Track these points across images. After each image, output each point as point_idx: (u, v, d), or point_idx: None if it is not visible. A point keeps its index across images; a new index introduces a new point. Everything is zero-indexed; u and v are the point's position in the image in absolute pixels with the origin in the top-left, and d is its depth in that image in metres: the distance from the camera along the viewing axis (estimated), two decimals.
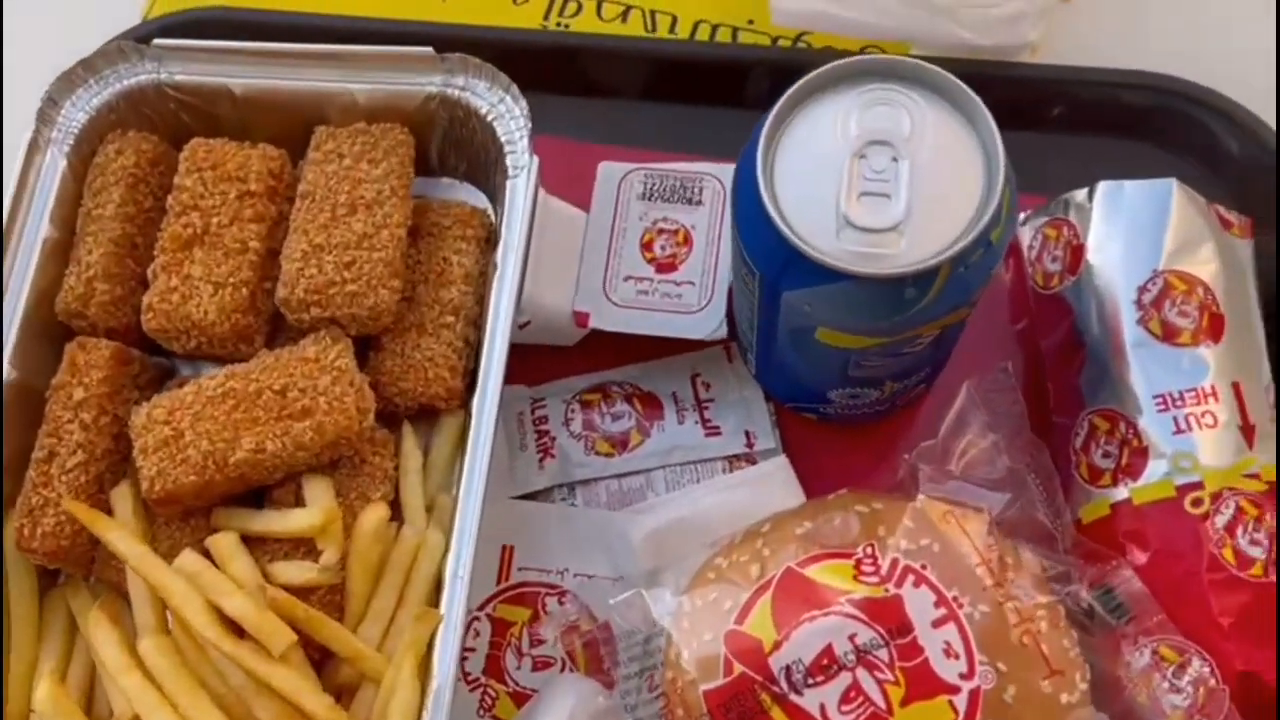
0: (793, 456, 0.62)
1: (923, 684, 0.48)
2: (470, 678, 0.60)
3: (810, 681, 0.49)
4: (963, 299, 0.48)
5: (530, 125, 0.62)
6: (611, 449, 0.63)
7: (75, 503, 0.57)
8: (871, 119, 0.47)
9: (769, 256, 0.48)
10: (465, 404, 0.63)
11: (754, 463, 0.62)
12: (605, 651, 0.58)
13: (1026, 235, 0.63)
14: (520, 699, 0.59)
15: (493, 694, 0.59)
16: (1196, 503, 0.53)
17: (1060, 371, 0.60)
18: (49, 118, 0.65)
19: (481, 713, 0.59)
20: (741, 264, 0.51)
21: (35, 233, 0.63)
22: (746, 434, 0.63)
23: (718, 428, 0.63)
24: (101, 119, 0.66)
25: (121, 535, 0.57)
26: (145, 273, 0.64)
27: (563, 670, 0.59)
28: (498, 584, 0.61)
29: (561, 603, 0.60)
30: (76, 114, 0.66)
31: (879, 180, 0.46)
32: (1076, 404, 0.58)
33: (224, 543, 0.58)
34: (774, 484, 0.61)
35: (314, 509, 0.58)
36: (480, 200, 0.69)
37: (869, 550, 0.51)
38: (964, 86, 0.47)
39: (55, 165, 0.65)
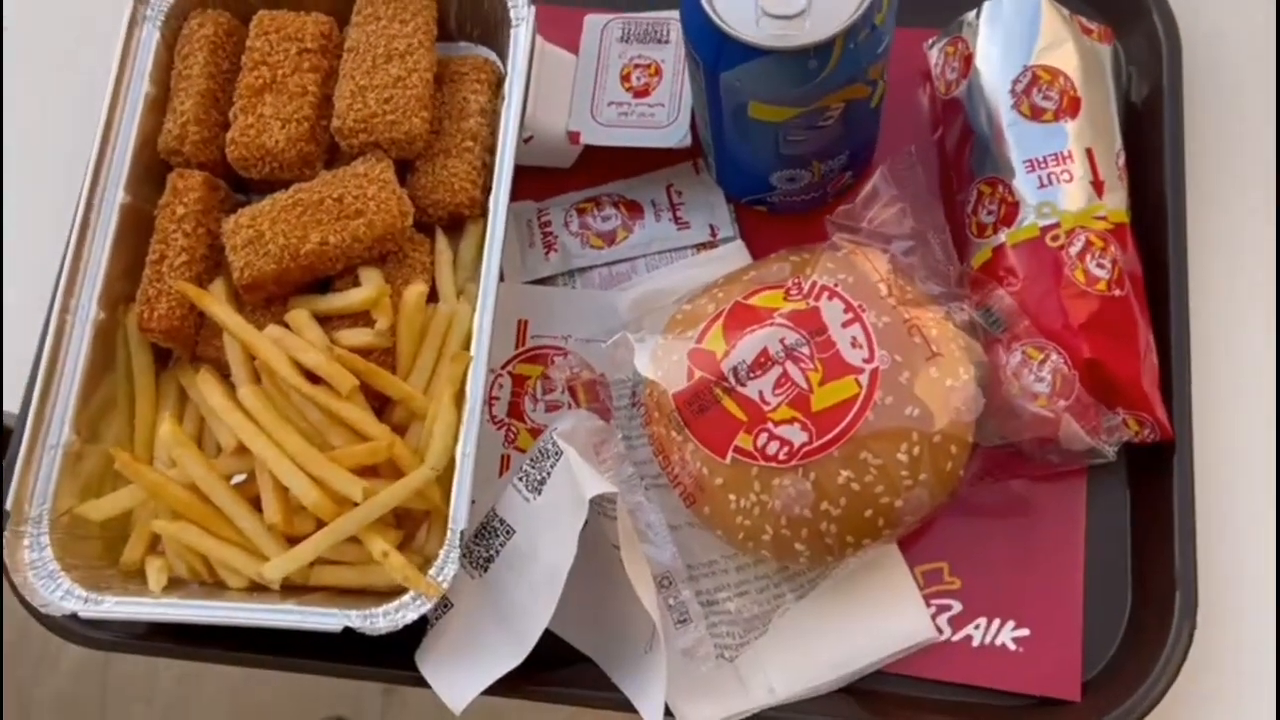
0: (748, 243, 0.77)
1: (835, 368, 0.63)
2: (497, 420, 0.75)
3: (751, 376, 0.64)
4: (856, 72, 0.62)
5: None
6: (602, 243, 0.78)
7: (184, 283, 0.74)
8: None
9: (708, 46, 0.62)
10: (484, 212, 0.78)
11: (716, 247, 0.77)
12: (601, 392, 0.74)
13: (934, 56, 0.77)
14: (536, 433, 0.74)
15: (514, 430, 0.75)
16: (1055, 238, 0.67)
17: (958, 159, 0.74)
18: None
19: (506, 445, 0.75)
20: (692, 63, 0.66)
21: (138, 90, 0.79)
22: (711, 227, 0.78)
23: (688, 223, 0.78)
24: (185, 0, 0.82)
25: (222, 306, 0.72)
26: (226, 120, 0.79)
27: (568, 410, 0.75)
28: (515, 348, 0.77)
29: (566, 358, 0.75)
30: None
31: None
32: (968, 179, 0.72)
33: (299, 316, 0.74)
34: (732, 261, 0.75)
35: (368, 287, 0.74)
36: (492, 57, 0.84)
37: (796, 281, 0.66)
38: None
39: (151, 37, 0.80)
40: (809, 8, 0.60)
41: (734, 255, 0.76)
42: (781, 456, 0.62)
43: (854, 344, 0.63)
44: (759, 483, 0.63)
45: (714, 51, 0.62)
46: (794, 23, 0.60)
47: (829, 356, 0.63)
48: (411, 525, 0.73)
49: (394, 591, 0.69)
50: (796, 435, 0.62)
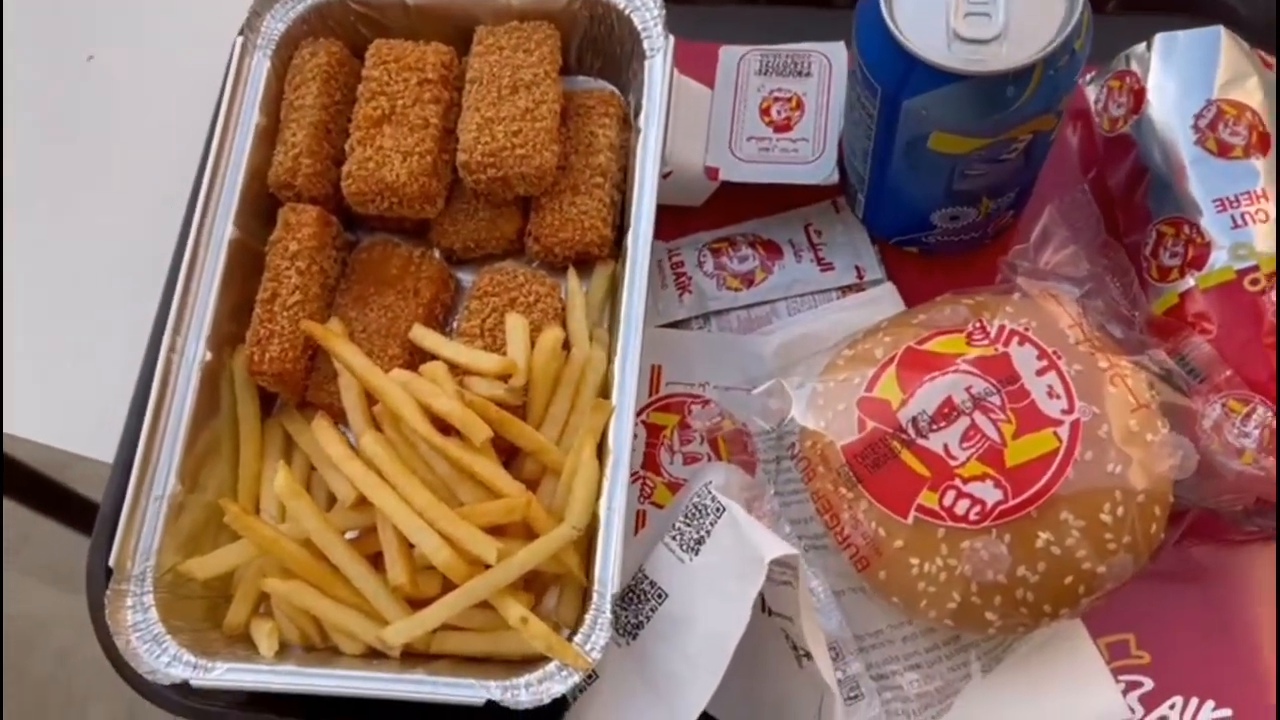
0: (896, 285, 0.72)
1: (1031, 420, 0.57)
2: (631, 472, 0.70)
3: (934, 427, 0.59)
4: (1052, 102, 0.58)
5: (664, 13, 0.73)
6: (740, 284, 0.73)
7: (310, 322, 0.68)
8: None
9: (891, 71, 0.58)
10: (614, 252, 0.73)
11: (864, 290, 0.72)
12: (746, 443, 0.68)
13: (1092, 93, 0.73)
14: (674, 487, 0.69)
15: (651, 484, 0.70)
16: (1254, 282, 0.62)
17: (1128, 198, 0.69)
18: (255, 26, 0.76)
19: (642, 500, 0.69)
20: (864, 89, 0.61)
21: (249, 120, 0.75)
22: (857, 268, 0.73)
23: (831, 264, 0.73)
24: (296, 29, 0.77)
25: (347, 345, 0.67)
26: (339, 153, 0.75)
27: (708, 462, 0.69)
28: (650, 396, 0.71)
29: (705, 407, 0.70)
30: (276, 24, 0.77)
31: (980, 2, 0.57)
32: (1144, 220, 0.67)
33: (435, 369, 0.67)
34: (884, 305, 0.71)
35: (514, 340, 0.68)
36: (614, 91, 0.80)
37: (978, 324, 0.61)
38: None
39: (260, 66, 0.76)
40: (1005, 31, 0.56)
41: (885, 298, 0.71)
42: (973, 517, 0.57)
43: (1050, 393, 0.58)
44: (946, 545, 0.58)
45: (899, 77, 0.58)
46: (989, 47, 0.56)
47: (1023, 407, 0.58)
48: (539, 588, 0.67)
49: (525, 661, 0.63)
50: (989, 493, 0.57)
